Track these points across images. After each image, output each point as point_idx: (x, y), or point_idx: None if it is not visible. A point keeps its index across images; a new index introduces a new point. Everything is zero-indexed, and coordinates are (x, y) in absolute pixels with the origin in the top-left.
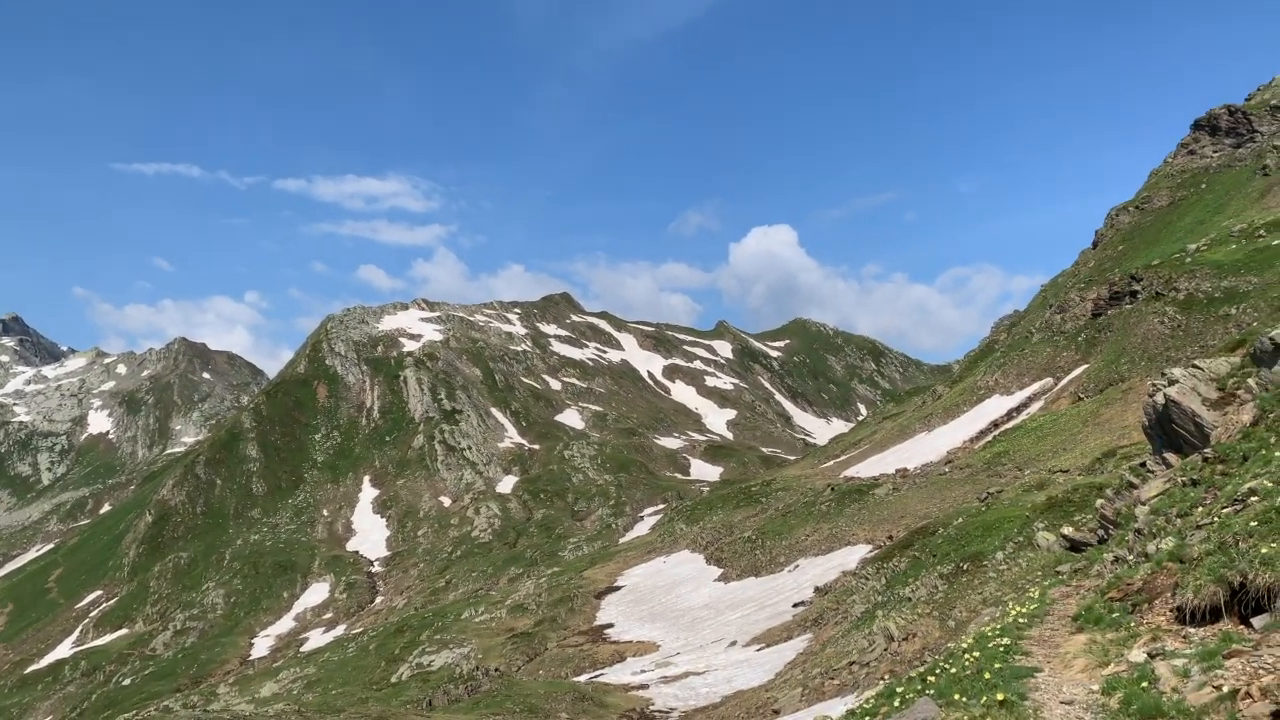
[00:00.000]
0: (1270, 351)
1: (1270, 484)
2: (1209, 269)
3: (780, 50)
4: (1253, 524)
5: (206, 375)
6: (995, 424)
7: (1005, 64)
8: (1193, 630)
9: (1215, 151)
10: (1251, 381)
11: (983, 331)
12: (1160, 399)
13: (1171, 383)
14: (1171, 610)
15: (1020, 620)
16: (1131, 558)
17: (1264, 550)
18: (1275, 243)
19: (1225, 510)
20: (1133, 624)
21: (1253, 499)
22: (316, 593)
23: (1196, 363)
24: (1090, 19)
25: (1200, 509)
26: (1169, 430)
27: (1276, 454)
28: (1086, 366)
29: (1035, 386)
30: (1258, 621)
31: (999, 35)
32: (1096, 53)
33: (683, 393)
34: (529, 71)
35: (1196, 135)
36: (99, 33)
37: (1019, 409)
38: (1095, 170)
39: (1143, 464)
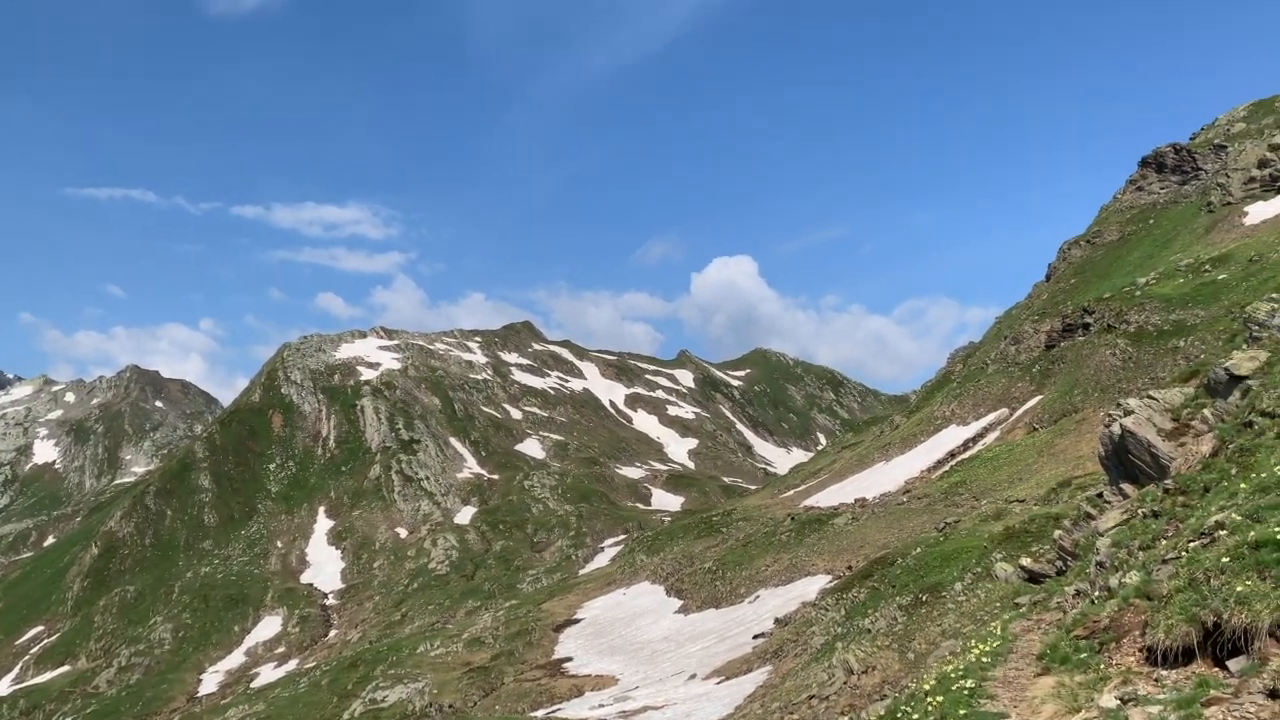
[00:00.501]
0: (1225, 382)
1: (1239, 517)
2: (1158, 302)
3: (739, 84)
4: (1224, 560)
5: (159, 404)
6: (952, 454)
7: (961, 102)
8: (1165, 672)
9: (1162, 188)
10: (1207, 412)
11: (939, 362)
12: (1116, 429)
13: (1127, 413)
14: (1141, 650)
15: (983, 660)
16: (1094, 591)
17: (1239, 588)
18: (1221, 277)
19: (1192, 544)
20: (1101, 665)
21: (1221, 532)
22: (269, 626)
23: (1151, 393)
24: (1041, 59)
25: (1164, 541)
26: (1125, 461)
27: (1242, 486)
28: (1041, 397)
29: (991, 417)
30: (1234, 665)
31: (954, 76)
32: (1048, 90)
33: (644, 422)
34: (490, 100)
35: (1144, 172)
36: (51, 55)
37: (975, 439)
38: (1048, 205)
39: (1099, 495)
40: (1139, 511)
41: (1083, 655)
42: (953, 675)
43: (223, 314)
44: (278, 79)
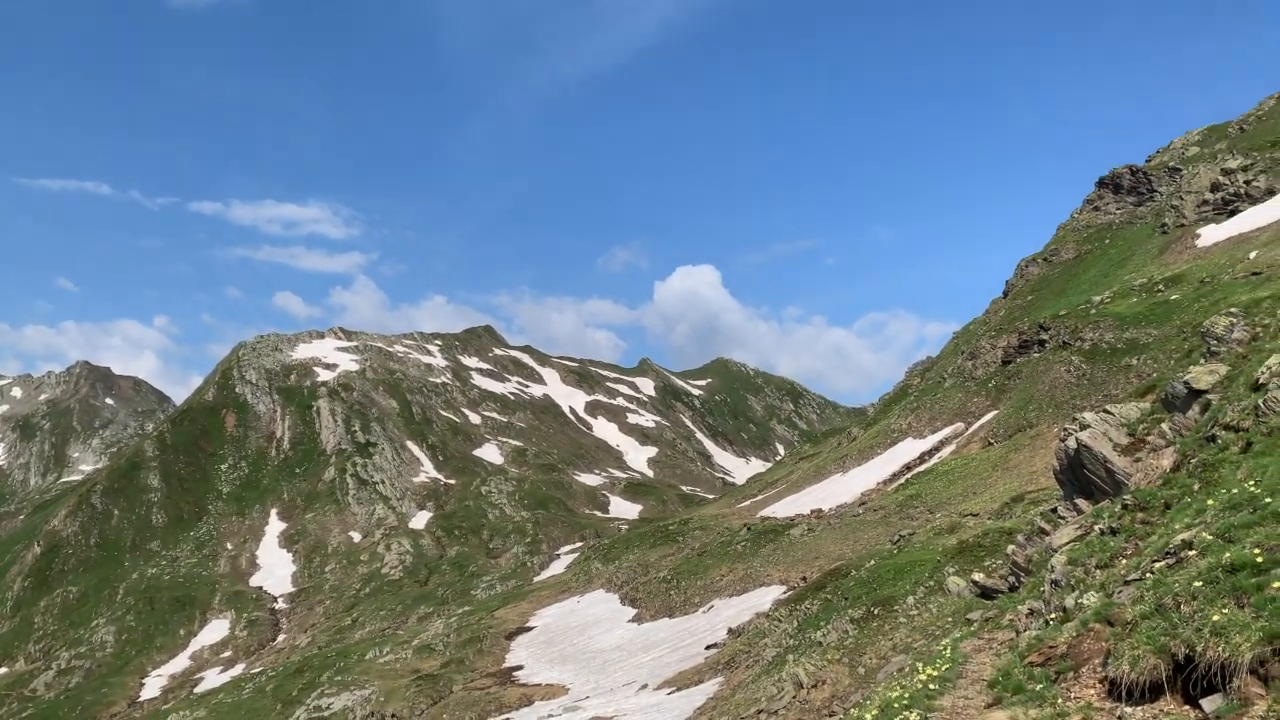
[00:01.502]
0: (1183, 396)
1: (1209, 536)
2: (1112, 320)
3: (706, 95)
4: (1196, 584)
5: (109, 401)
6: (908, 467)
7: (924, 119)
8: (1129, 710)
9: (1118, 209)
10: (1165, 426)
11: (898, 376)
12: (1072, 443)
13: (1083, 427)
14: (1102, 681)
15: (930, 686)
16: (1049, 611)
17: (1214, 618)
18: (1174, 297)
19: (1157, 564)
20: (1058, 698)
21: (1189, 553)
22: (215, 630)
23: (1108, 408)
24: (1001, 79)
25: (1124, 561)
26: (1080, 476)
27: (1209, 503)
28: (996, 412)
29: (947, 431)
30: (1208, 704)
31: (916, 95)
32: (1007, 110)
33: (604, 429)
34: (456, 104)
35: (1101, 192)
36: (4, 44)
37: (931, 452)
38: (1007, 223)
39: (1054, 510)
40: (1095, 528)
41: (1038, 686)
42: (896, 705)
43: (178, 311)
44: (240, 74)
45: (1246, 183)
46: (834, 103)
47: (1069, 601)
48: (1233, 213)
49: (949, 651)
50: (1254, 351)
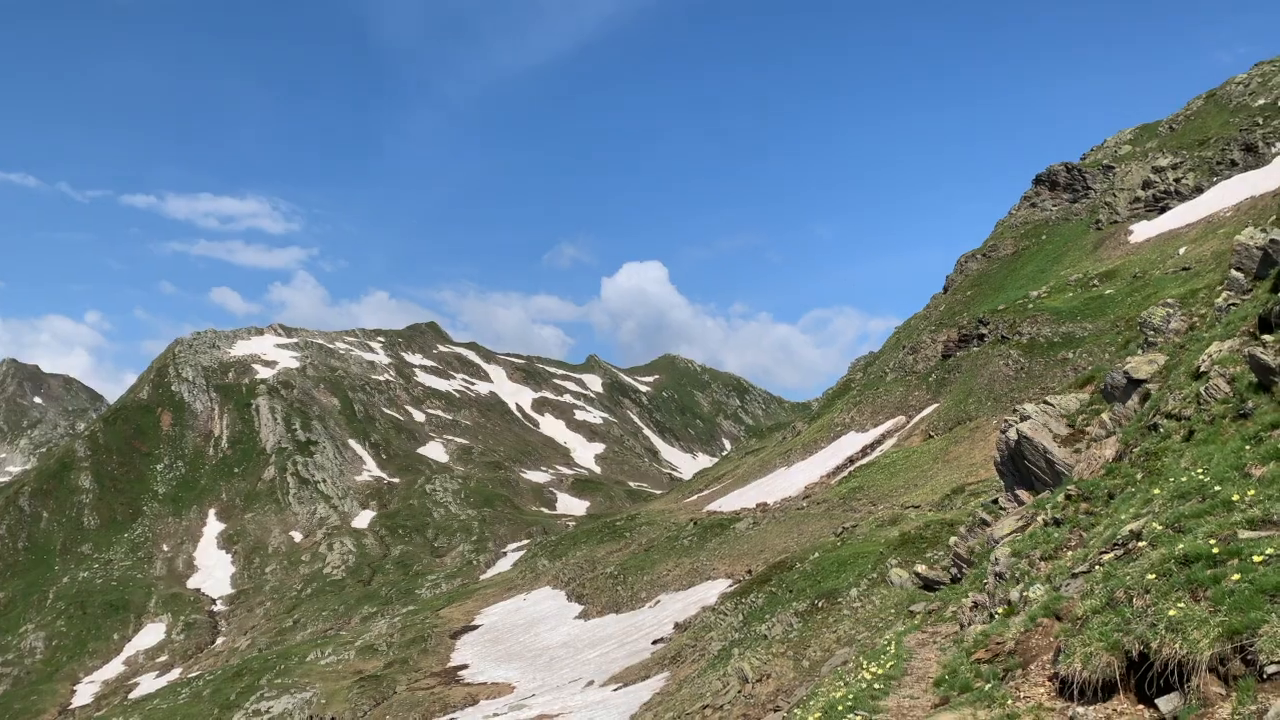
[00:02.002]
0: (1123, 386)
1: (1159, 526)
2: (1049, 315)
3: (647, 90)
4: (1149, 577)
5: (38, 399)
6: (851, 460)
7: (858, 115)
8: (1081, 710)
9: (1054, 205)
10: (1105, 416)
11: (843, 371)
12: (1013, 435)
13: (1024, 418)
14: (1052, 680)
15: (875, 686)
16: (993, 604)
17: (1170, 613)
18: (1108, 292)
19: (1106, 556)
20: (1008, 698)
21: (1139, 544)
22: (151, 634)
23: (1048, 399)
24: (938, 76)
25: (1070, 552)
26: (1021, 467)
27: (1155, 492)
28: (937, 405)
29: (889, 424)
30: (1164, 704)
31: (852, 86)
32: (945, 105)
33: (552, 426)
34: (395, 97)
35: (1038, 189)
36: None
37: (873, 445)
38: (948, 218)
39: (995, 501)
40: (1038, 519)
41: (986, 685)
42: (840, 706)
43: (110, 307)
44: (172, 65)
45: (1176, 180)
46: (776, 98)
47: (1014, 594)
48: (1163, 210)
49: (893, 647)
50: (1192, 341)
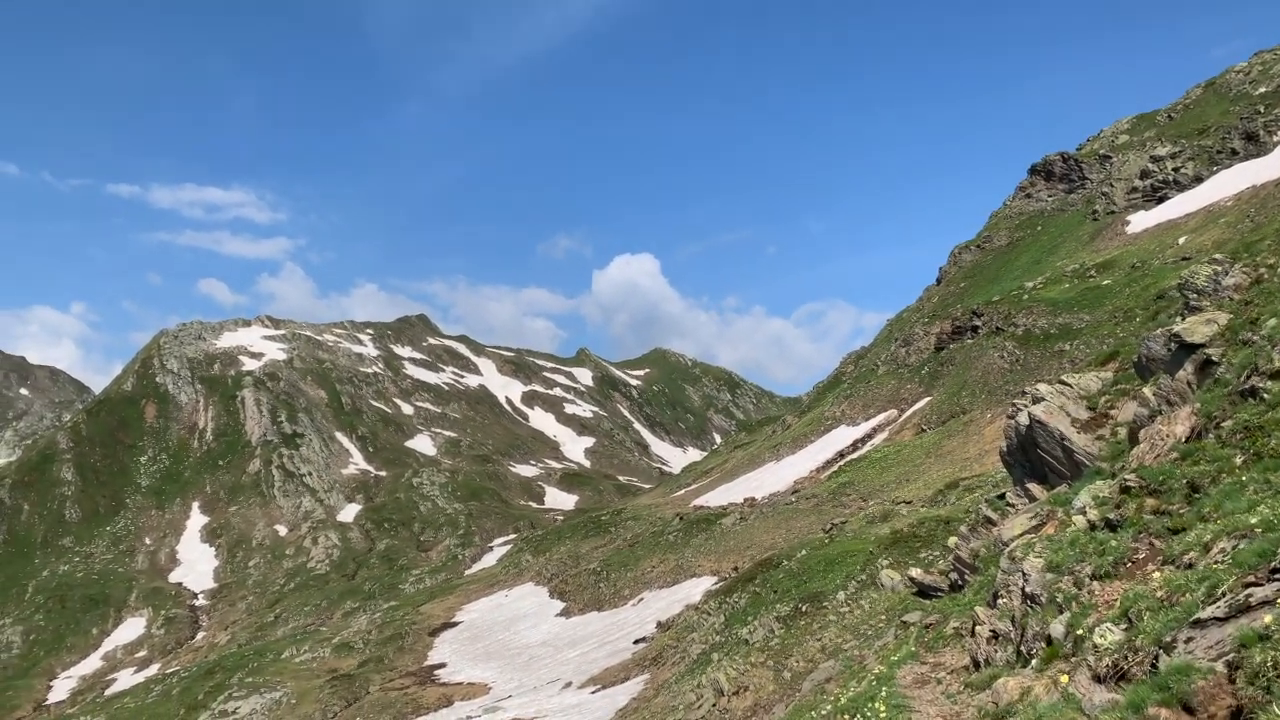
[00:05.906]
0: (1167, 356)
1: None
2: (1045, 306)
3: (639, 83)
4: None
5: (24, 391)
6: (841, 454)
7: (851, 106)
8: None
9: (1050, 196)
10: (1147, 391)
11: (835, 365)
12: (1024, 419)
13: (1037, 401)
14: None
15: None
16: (1025, 640)
17: None
18: (1105, 283)
19: (1260, 591)
20: None
21: None
22: (131, 629)
23: (1065, 378)
24: (931, 67)
25: (1155, 573)
26: (1033, 456)
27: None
28: (929, 399)
29: (880, 418)
30: None
31: (848, 80)
32: (938, 96)
33: (541, 420)
34: (385, 88)
35: (1033, 180)
36: None
37: (864, 439)
38: (942, 212)
39: (1001, 496)
40: (1084, 522)
41: None
42: None
43: (96, 298)
44: (156, 53)
45: (1175, 170)
46: (769, 89)
47: (1056, 628)
48: (1161, 199)
49: (884, 690)
50: (1262, 295)
